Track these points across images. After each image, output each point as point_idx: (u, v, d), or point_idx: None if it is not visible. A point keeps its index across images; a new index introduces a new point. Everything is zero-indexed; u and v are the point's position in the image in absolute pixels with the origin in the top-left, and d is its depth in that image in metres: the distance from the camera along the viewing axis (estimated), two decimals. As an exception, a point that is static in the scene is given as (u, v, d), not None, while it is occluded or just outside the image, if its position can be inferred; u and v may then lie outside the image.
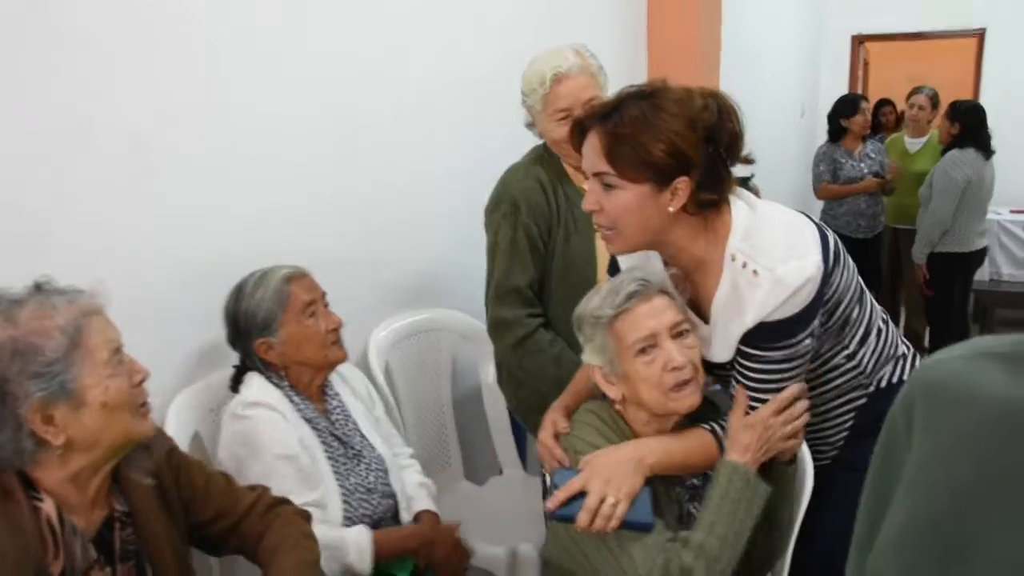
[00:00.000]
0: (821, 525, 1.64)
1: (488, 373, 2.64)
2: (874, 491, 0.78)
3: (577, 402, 1.71)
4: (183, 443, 1.87)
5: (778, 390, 1.51)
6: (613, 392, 1.57)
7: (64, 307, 1.25)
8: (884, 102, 6.60)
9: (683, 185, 1.40)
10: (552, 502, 1.44)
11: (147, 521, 1.38)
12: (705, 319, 1.56)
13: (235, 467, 1.78)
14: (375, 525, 1.91)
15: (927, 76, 5.97)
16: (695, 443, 1.55)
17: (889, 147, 5.38)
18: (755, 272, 1.41)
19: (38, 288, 1.26)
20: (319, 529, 1.67)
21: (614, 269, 1.73)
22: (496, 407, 2.64)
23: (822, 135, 5.49)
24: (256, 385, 1.87)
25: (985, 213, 4.74)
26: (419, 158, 2.65)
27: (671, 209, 1.42)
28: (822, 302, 1.47)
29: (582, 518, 1.41)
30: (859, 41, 7.65)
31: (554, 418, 1.68)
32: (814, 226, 1.50)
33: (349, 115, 2.40)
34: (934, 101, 5.24)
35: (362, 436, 1.99)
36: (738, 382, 1.54)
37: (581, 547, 1.50)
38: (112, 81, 1.79)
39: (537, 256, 2.11)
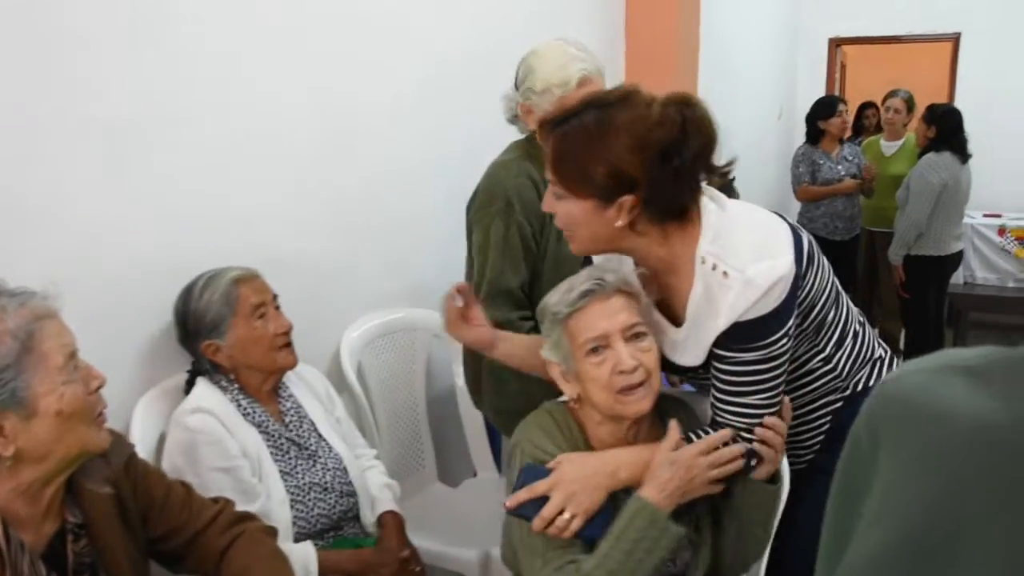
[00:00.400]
0: (796, 527, 1.63)
1: (463, 374, 2.61)
2: (840, 505, 0.75)
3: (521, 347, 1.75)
4: (148, 446, 1.84)
5: (756, 393, 1.48)
6: (569, 390, 1.55)
7: (15, 310, 1.18)
8: (867, 105, 6.62)
9: (628, 202, 1.38)
10: (512, 501, 1.44)
11: (103, 532, 1.32)
12: (678, 322, 1.53)
13: (174, 476, 1.73)
14: (334, 524, 1.90)
15: (903, 79, 6.01)
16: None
17: (865, 150, 5.41)
18: (725, 274, 1.39)
19: None
20: None
21: (588, 262, 1.72)
22: (471, 409, 2.60)
23: (799, 137, 5.52)
24: (199, 391, 1.85)
25: (962, 217, 4.78)
26: (393, 155, 2.61)
27: (618, 224, 1.40)
28: (796, 303, 1.44)
29: (536, 524, 1.41)
30: (836, 44, 7.69)
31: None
32: (787, 226, 1.48)
33: (323, 113, 2.35)
34: (909, 104, 5.28)
35: (318, 436, 1.96)
36: (714, 386, 1.52)
37: (514, 531, 1.51)
38: (98, 75, 1.75)
39: (529, 256, 2.07)
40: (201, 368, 1.89)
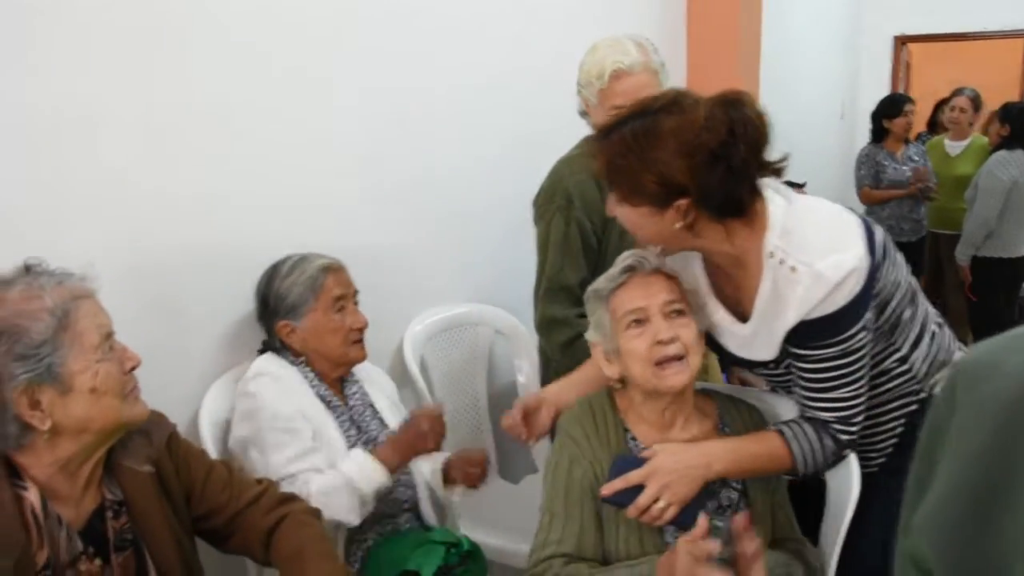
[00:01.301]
0: (866, 530, 1.60)
1: (524, 370, 2.61)
2: (916, 477, 0.78)
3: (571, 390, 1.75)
4: (218, 431, 1.89)
5: (841, 387, 1.47)
6: (611, 371, 1.59)
7: (53, 289, 1.21)
8: (945, 101, 6.36)
9: (683, 206, 1.38)
10: (608, 489, 1.46)
11: (144, 510, 1.34)
12: (745, 318, 1.52)
13: (240, 444, 1.79)
14: (391, 512, 1.92)
15: (970, 78, 5.84)
16: (763, 448, 1.52)
17: (929, 150, 5.28)
18: (793, 268, 1.38)
19: (27, 269, 1.23)
20: (318, 480, 1.70)
21: None
22: (531, 404, 2.61)
23: (861, 139, 5.40)
24: (262, 359, 1.88)
25: None
26: (461, 150, 2.64)
27: (677, 226, 1.41)
28: (872, 296, 1.42)
29: (631, 511, 1.44)
30: (901, 42, 7.52)
31: (539, 402, 1.74)
32: (858, 219, 1.46)
33: (392, 106, 2.38)
34: (976, 103, 5.13)
35: (381, 423, 1.98)
36: (799, 384, 1.51)
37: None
38: (153, 70, 1.79)
39: (590, 253, 2.06)
40: (272, 346, 1.93)
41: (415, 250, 2.52)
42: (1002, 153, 4.46)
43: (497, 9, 2.75)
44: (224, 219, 1.95)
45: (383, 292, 2.37)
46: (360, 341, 1.93)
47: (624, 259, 1.57)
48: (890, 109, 5.08)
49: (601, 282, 1.59)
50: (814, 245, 1.39)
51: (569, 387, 1.79)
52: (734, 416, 1.65)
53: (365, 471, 1.75)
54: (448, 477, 2.00)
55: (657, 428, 1.59)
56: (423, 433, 1.81)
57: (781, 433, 1.52)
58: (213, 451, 1.85)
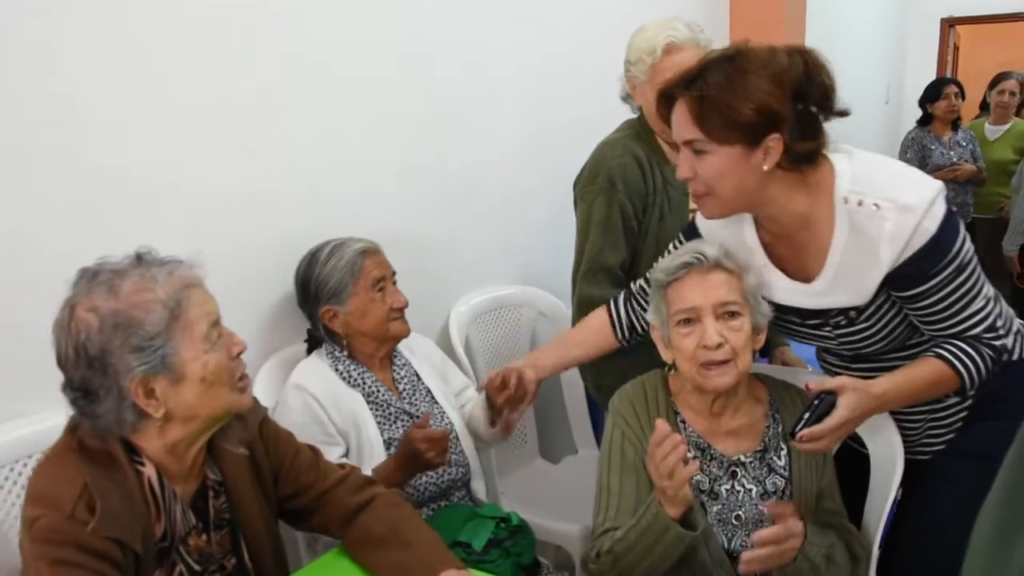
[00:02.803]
0: (932, 516, 1.59)
1: (565, 352, 2.63)
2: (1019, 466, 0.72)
3: (555, 361, 1.85)
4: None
5: (975, 298, 1.46)
6: (666, 356, 1.62)
7: (164, 280, 1.22)
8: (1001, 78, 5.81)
9: (774, 142, 1.40)
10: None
11: (239, 490, 1.38)
12: (810, 278, 1.54)
13: None
14: (442, 493, 1.94)
15: (1020, 60, 5.71)
16: (927, 374, 1.48)
17: (970, 134, 5.19)
18: (876, 206, 1.40)
19: (139, 259, 1.24)
20: None
21: (692, 234, 1.73)
22: (573, 386, 2.63)
23: (907, 123, 5.32)
24: (302, 367, 1.91)
25: None
26: (503, 134, 2.66)
27: (765, 167, 1.41)
28: (955, 215, 1.44)
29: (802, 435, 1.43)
30: (949, 24, 7.37)
31: (512, 371, 1.77)
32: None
33: (436, 89, 2.41)
34: (1024, 87, 5.04)
35: (432, 401, 2.01)
36: (930, 325, 1.49)
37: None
38: (224, 60, 1.85)
39: (630, 235, 2.07)
40: (317, 334, 1.97)
41: (461, 232, 2.56)
42: None
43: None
44: (266, 205, 1.99)
45: (429, 273, 2.41)
46: (400, 319, 1.96)
47: (683, 253, 1.56)
48: (932, 92, 5.00)
49: (659, 271, 1.59)
50: (889, 183, 1.42)
51: (549, 352, 1.86)
52: (786, 401, 1.65)
53: None
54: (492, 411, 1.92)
55: (705, 417, 1.61)
56: (419, 450, 1.78)
57: (939, 356, 1.48)
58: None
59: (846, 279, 1.49)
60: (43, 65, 1.55)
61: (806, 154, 1.43)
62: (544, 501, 2.36)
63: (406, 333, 1.98)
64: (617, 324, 1.84)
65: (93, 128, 1.64)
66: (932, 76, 6.63)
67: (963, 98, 5.06)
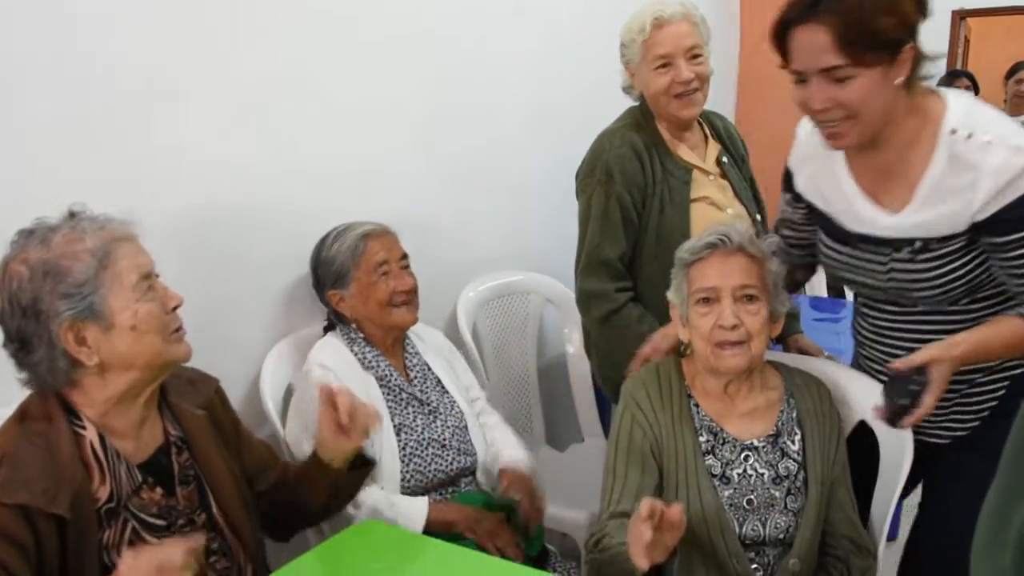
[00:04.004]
0: (948, 519, 1.58)
1: (573, 340, 2.64)
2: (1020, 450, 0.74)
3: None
4: (276, 393, 1.94)
5: None
6: (684, 335, 1.64)
7: (95, 232, 1.27)
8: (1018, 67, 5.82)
9: (908, 52, 1.39)
10: (908, 421, 1.44)
11: (203, 447, 1.42)
12: (895, 208, 1.52)
13: (294, 437, 1.83)
14: (451, 480, 1.94)
15: (1034, 54, 5.66)
16: (1010, 333, 1.48)
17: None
18: (988, 141, 1.38)
19: (72, 215, 1.29)
20: (373, 493, 1.73)
21: (788, 186, 1.73)
22: (580, 374, 2.64)
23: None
24: (322, 346, 1.92)
25: None
26: (512, 120, 2.67)
27: (898, 81, 1.40)
28: None
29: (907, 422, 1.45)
30: (960, 16, 7.31)
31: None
32: None
33: (443, 77, 2.42)
34: (1041, 77, 5.00)
35: (442, 391, 2.01)
36: (1017, 287, 1.47)
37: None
38: (237, 38, 1.86)
39: (630, 227, 2.05)
40: (332, 316, 1.97)
41: (470, 218, 2.56)
42: None
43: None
44: (289, 187, 2.01)
45: (438, 260, 2.41)
46: (408, 303, 1.94)
47: (709, 234, 1.58)
48: (944, 85, 4.95)
49: (684, 250, 1.62)
50: (1006, 127, 1.42)
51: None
52: (800, 389, 1.66)
53: (415, 515, 1.76)
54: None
55: (719, 400, 1.62)
56: (489, 531, 1.79)
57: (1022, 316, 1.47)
58: (273, 410, 1.91)
59: (933, 210, 1.47)
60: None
61: (924, 69, 1.44)
62: (550, 489, 2.35)
63: (410, 322, 1.96)
64: None
65: (127, 107, 1.66)
66: (943, 69, 6.58)
67: (976, 91, 5.02)
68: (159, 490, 1.34)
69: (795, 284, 1.90)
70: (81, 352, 1.25)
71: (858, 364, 1.80)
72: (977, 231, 1.44)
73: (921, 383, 1.41)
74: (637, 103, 2.17)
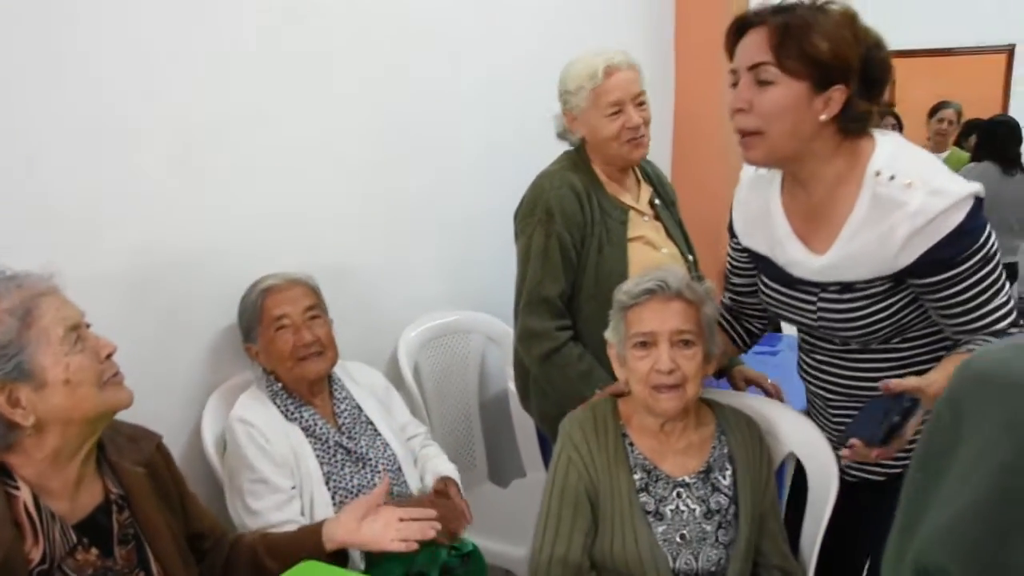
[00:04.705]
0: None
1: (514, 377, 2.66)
2: (921, 478, 0.80)
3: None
4: (217, 443, 1.93)
5: (996, 293, 1.46)
6: (620, 374, 1.69)
7: (13, 291, 1.25)
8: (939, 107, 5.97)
9: (838, 93, 1.41)
10: (899, 443, 1.42)
11: (141, 505, 1.40)
12: (820, 250, 1.55)
13: (228, 492, 1.85)
14: None
15: (953, 93, 5.93)
16: None
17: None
18: (909, 184, 1.40)
19: None
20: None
21: (731, 229, 1.77)
22: (521, 411, 2.66)
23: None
24: (243, 399, 1.92)
25: (1010, 230, 4.64)
26: (449, 161, 2.70)
27: (823, 117, 1.42)
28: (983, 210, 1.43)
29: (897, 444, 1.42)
30: (885, 56, 7.60)
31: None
32: None
33: (379, 116, 2.43)
34: (960, 117, 5.24)
35: (374, 433, 2.01)
36: (952, 317, 1.48)
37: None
38: (170, 79, 1.85)
39: (568, 266, 2.09)
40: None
41: (410, 258, 2.58)
42: (968, 166, 4.57)
43: (483, 30, 2.80)
44: (214, 230, 2.00)
45: (378, 301, 2.43)
46: (317, 354, 1.93)
47: (647, 279, 1.63)
48: (871, 125, 5.19)
49: (623, 293, 1.66)
50: (928, 168, 1.43)
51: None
52: (732, 425, 1.72)
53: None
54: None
55: (654, 438, 1.67)
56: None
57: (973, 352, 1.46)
58: (215, 456, 1.91)
59: (855, 252, 1.49)
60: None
61: (861, 116, 1.44)
62: (493, 525, 2.37)
63: (320, 371, 1.95)
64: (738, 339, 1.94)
65: (41, 147, 1.64)
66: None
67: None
68: (94, 551, 1.32)
69: (751, 335, 1.95)
70: (15, 414, 1.23)
71: (808, 398, 1.85)
72: (902, 275, 1.47)
73: (914, 401, 1.41)
74: (574, 147, 2.23)
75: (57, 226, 1.66)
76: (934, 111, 5.45)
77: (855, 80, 1.41)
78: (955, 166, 4.95)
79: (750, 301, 1.87)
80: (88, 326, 1.34)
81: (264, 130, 2.09)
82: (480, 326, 2.73)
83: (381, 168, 2.45)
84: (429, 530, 1.54)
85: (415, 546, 1.45)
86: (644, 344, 1.61)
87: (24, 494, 1.26)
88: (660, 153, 3.71)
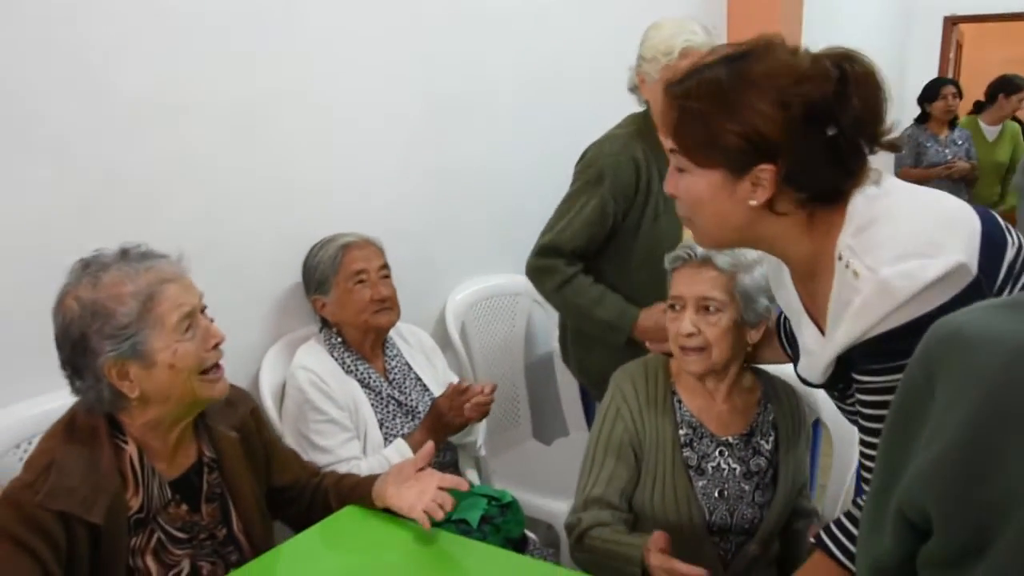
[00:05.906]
0: None
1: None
2: (895, 440, 0.84)
3: None
4: (275, 391, 2.05)
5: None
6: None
7: (142, 274, 1.35)
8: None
9: (765, 174, 1.12)
10: None
11: (232, 468, 1.52)
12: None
13: (292, 435, 1.96)
14: None
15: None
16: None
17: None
18: (856, 274, 1.11)
19: (124, 254, 1.36)
20: (366, 463, 1.89)
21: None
22: (566, 372, 2.73)
23: (908, 120, 5.38)
24: (305, 348, 2.04)
25: None
26: (502, 125, 2.76)
27: (753, 203, 1.14)
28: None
29: None
30: (952, 22, 7.39)
31: None
32: (977, 220, 1.15)
33: (436, 86, 2.51)
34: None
35: (423, 388, 2.13)
36: (861, 427, 1.25)
37: None
38: (230, 59, 1.95)
39: (598, 229, 2.13)
40: (320, 321, 2.10)
41: (458, 222, 2.65)
42: None
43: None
44: (275, 197, 2.10)
45: (427, 263, 2.52)
46: (385, 310, 2.05)
47: (682, 247, 1.68)
48: (929, 92, 5.09)
49: (666, 258, 1.71)
50: (889, 246, 1.11)
51: None
52: (779, 394, 1.77)
53: (404, 456, 1.91)
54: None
55: (699, 395, 1.73)
56: (444, 413, 1.97)
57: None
58: (272, 407, 2.03)
59: (839, 348, 1.20)
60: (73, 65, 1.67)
61: (819, 192, 1.15)
62: (535, 481, 2.46)
63: (388, 323, 2.07)
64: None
65: (111, 123, 1.75)
66: (934, 74, 6.65)
67: (960, 97, 5.13)
68: (185, 507, 1.45)
69: None
70: (123, 386, 1.35)
71: None
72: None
73: None
74: (642, 107, 2.23)
75: (125, 193, 1.78)
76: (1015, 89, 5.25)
77: (788, 155, 1.10)
78: (1012, 139, 4.83)
79: None
80: (203, 309, 1.44)
81: (322, 105, 2.18)
82: (527, 289, 2.78)
83: (433, 136, 2.52)
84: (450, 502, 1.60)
85: (440, 515, 1.53)
86: (674, 307, 1.67)
87: (131, 449, 1.39)
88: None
